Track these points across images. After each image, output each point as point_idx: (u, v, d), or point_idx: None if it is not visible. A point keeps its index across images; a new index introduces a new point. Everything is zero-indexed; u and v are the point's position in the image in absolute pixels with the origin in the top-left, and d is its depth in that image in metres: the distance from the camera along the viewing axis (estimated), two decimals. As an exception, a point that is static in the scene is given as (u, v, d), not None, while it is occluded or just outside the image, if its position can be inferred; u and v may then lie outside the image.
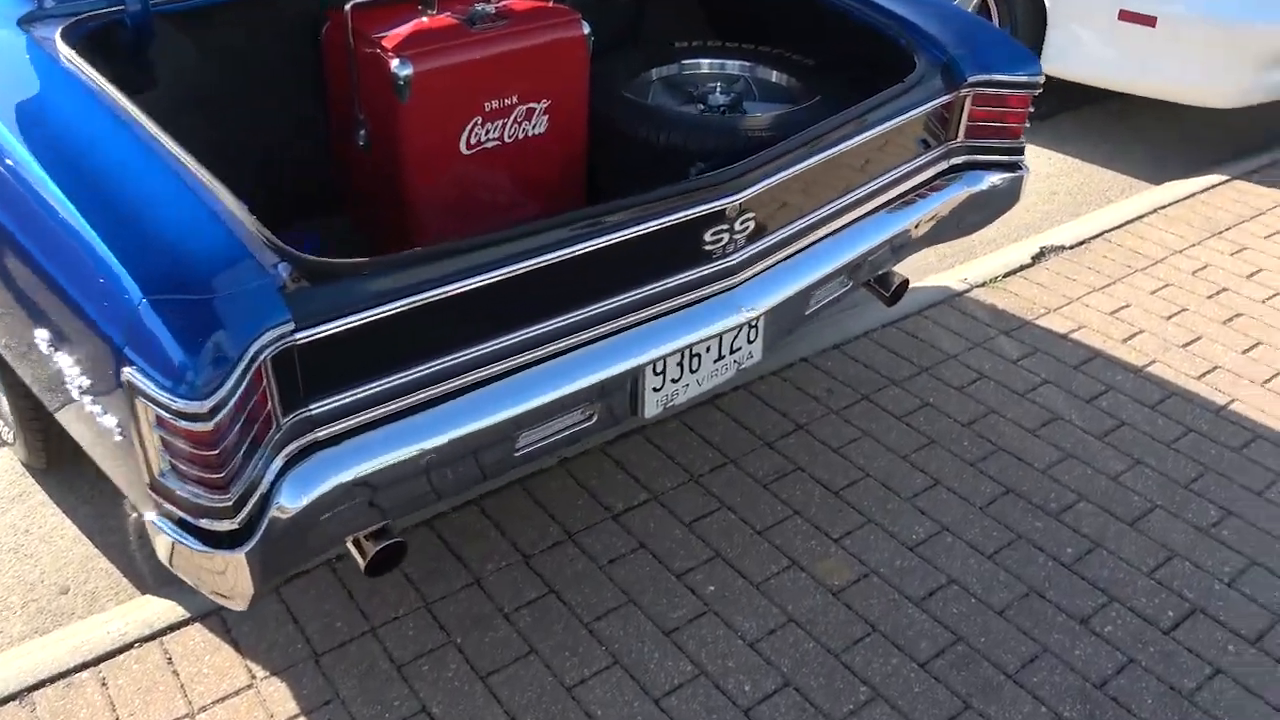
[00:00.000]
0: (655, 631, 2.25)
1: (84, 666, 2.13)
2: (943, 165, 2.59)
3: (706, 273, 2.06)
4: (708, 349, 2.20)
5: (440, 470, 1.84)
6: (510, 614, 2.29)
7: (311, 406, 1.66)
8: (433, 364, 1.78)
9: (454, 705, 2.08)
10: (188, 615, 2.24)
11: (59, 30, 2.07)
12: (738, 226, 2.06)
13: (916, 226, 2.49)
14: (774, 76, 2.88)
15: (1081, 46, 4.38)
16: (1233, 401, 2.94)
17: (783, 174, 2.08)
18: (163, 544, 1.64)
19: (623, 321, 1.99)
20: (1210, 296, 3.44)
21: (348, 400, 1.70)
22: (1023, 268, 3.60)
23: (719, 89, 2.86)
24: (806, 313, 2.41)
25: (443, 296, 1.72)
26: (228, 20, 2.39)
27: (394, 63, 2.24)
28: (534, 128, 2.50)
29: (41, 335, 1.74)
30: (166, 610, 2.25)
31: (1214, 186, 4.16)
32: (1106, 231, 3.83)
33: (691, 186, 1.93)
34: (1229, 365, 3.10)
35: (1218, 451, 2.75)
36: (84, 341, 1.61)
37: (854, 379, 3.02)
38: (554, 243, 1.80)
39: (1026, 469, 2.69)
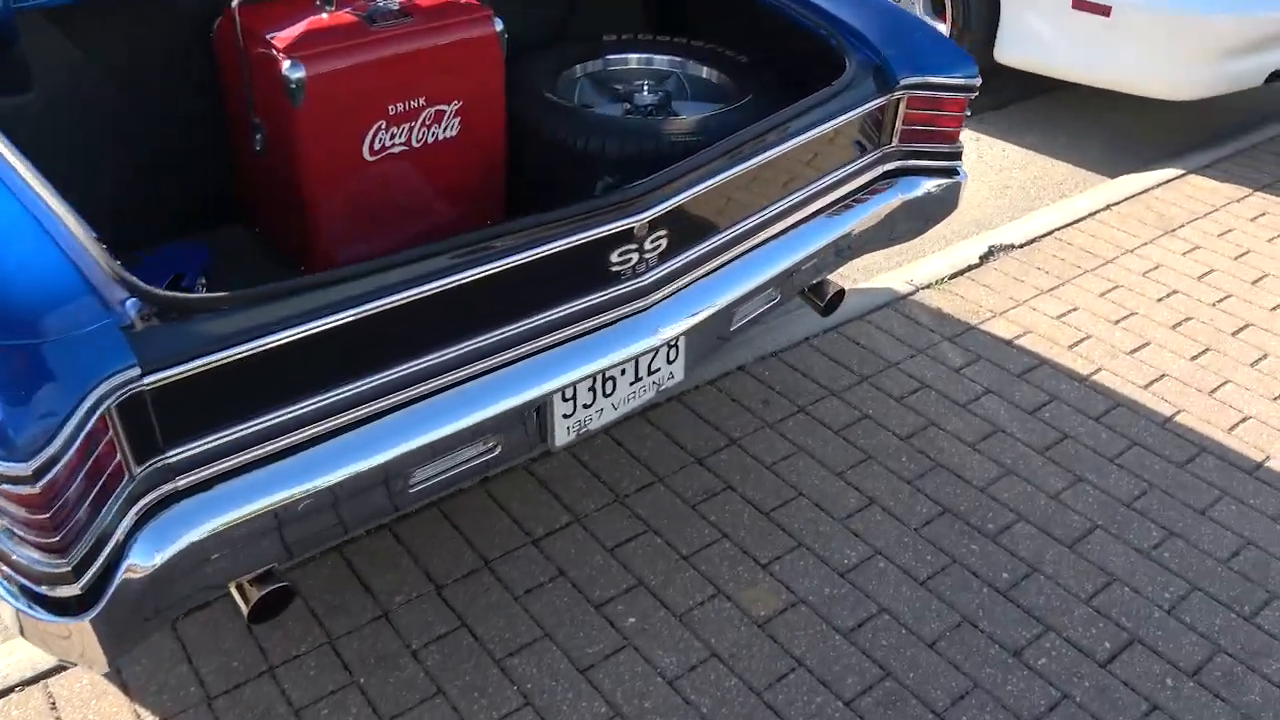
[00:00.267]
0: (570, 669, 2.13)
1: (-47, 717, 2.00)
2: (876, 171, 2.46)
3: (615, 295, 1.93)
4: (622, 372, 2.07)
5: (322, 514, 1.71)
6: (418, 651, 2.16)
7: (170, 454, 1.52)
8: (309, 403, 1.64)
9: (350, 755, 1.97)
10: (70, 658, 2.10)
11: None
12: (648, 245, 1.93)
13: (847, 236, 2.37)
14: (705, 73, 2.75)
15: (1035, 36, 4.26)
16: (1179, 412, 2.85)
17: (696, 189, 1.95)
18: (7, 611, 1.50)
19: (523, 349, 1.86)
20: (1160, 299, 3.35)
21: (212, 446, 1.56)
22: (970, 268, 3.50)
23: (647, 87, 2.72)
24: (732, 329, 2.29)
25: (315, 332, 1.58)
26: (110, 16, 2.22)
27: (285, 64, 2.09)
28: (445, 131, 2.36)
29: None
30: (47, 653, 2.11)
31: (1169, 181, 4.07)
32: (1058, 229, 3.73)
33: (591, 207, 1.80)
34: (1177, 373, 3.01)
35: (1162, 467, 2.66)
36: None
37: (792, 389, 2.90)
38: (436, 271, 1.66)
39: (964, 487, 2.59)
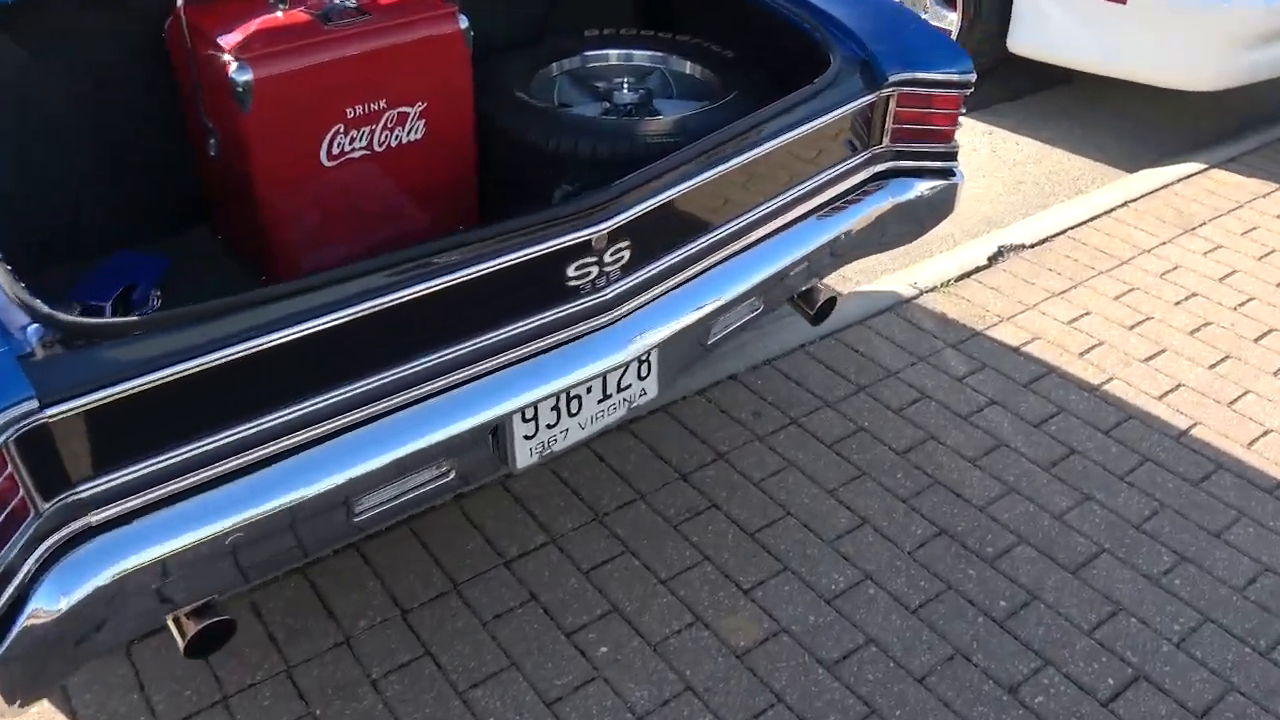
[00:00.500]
0: (536, 701, 2.02)
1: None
2: (866, 173, 2.32)
3: (573, 311, 1.81)
4: (588, 390, 1.95)
5: (255, 547, 1.60)
6: (378, 680, 2.06)
7: (81, 489, 1.42)
8: (235, 431, 1.53)
9: (298, 796, 1.87)
10: (14, 689, 2.02)
11: None
12: (608, 258, 1.80)
13: (833, 242, 2.23)
14: (689, 69, 2.61)
15: (1050, 24, 4.08)
16: (1195, 425, 2.69)
17: (660, 197, 1.82)
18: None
19: (472, 370, 1.74)
20: (1178, 303, 3.18)
21: (130, 479, 1.46)
22: (978, 269, 3.34)
23: (627, 84, 2.60)
24: (710, 342, 2.16)
25: (237, 357, 1.47)
26: (59, 13, 2.12)
27: (232, 67, 1.98)
28: (408, 134, 2.24)
29: None
30: (-9, 683, 2.03)
31: (1189, 176, 3.88)
32: (1071, 228, 3.56)
33: (541, 219, 1.68)
34: (1194, 382, 2.85)
35: (1175, 485, 2.51)
36: None
37: (785, 399, 2.77)
38: (370, 290, 1.55)
39: (963, 506, 2.45)
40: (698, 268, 2.01)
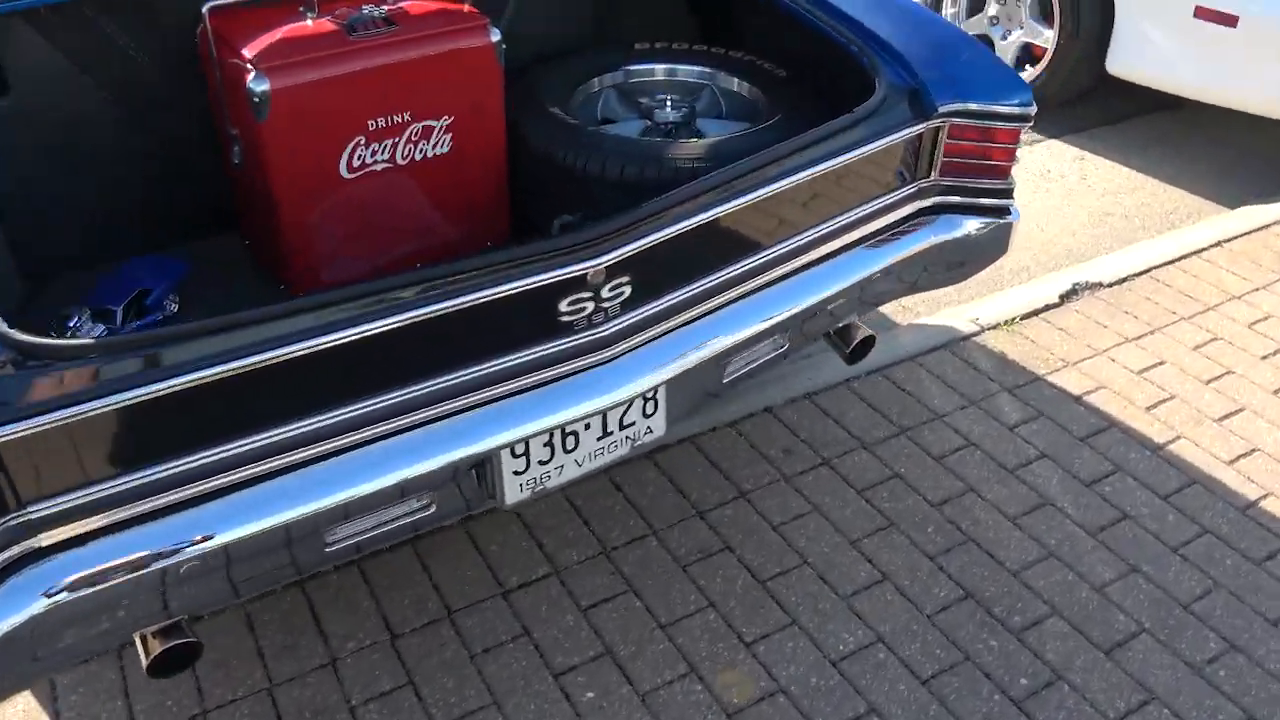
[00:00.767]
0: (515, 745, 1.96)
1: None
2: (911, 207, 2.17)
3: (566, 347, 1.73)
4: (586, 426, 1.87)
5: (213, 575, 1.57)
6: (358, 707, 2.02)
7: (30, 511, 1.40)
8: (198, 456, 1.49)
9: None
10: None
11: None
12: (606, 293, 1.71)
13: (866, 282, 2.10)
14: (737, 86, 2.50)
15: (1151, 46, 3.82)
16: (1266, 497, 2.47)
17: (665, 231, 1.72)
18: None
19: (454, 404, 1.67)
20: (1265, 357, 2.93)
21: (83, 501, 1.43)
22: (1048, 308, 3.14)
23: (670, 102, 2.49)
24: (725, 381, 2.05)
25: (201, 383, 1.43)
26: (94, 19, 2.13)
27: (249, 76, 1.95)
28: (434, 148, 2.18)
29: None
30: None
31: (1295, 216, 3.59)
32: (1156, 267, 3.33)
33: (534, 252, 1.60)
34: (1271, 448, 2.61)
35: (1234, 562, 2.30)
36: None
37: (818, 438, 2.64)
38: (342, 320, 1.49)
39: (995, 569, 2.29)
40: (708, 305, 1.90)
